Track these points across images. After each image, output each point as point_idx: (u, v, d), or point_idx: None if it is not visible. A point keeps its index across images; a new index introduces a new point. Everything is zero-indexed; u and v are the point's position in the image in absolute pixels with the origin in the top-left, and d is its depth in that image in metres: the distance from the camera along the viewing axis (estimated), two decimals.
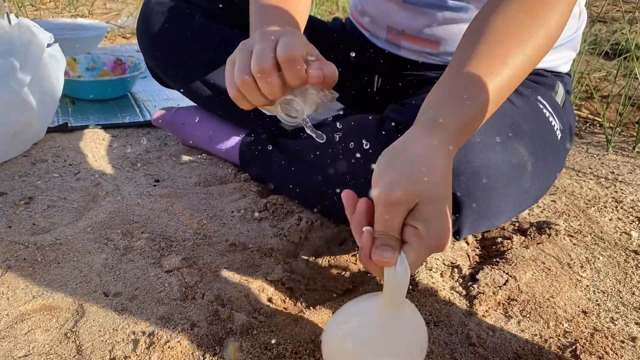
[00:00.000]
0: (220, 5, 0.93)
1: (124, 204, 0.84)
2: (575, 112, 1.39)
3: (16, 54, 0.98)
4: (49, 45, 1.04)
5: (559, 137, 0.80)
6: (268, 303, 0.65)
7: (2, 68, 0.95)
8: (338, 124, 0.79)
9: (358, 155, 0.71)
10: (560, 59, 0.88)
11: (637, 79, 1.51)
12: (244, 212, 0.85)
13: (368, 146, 0.69)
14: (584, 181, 1.04)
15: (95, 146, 1.05)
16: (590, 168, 1.10)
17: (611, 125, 1.32)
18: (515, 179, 0.67)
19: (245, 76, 0.56)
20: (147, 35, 0.93)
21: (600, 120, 1.35)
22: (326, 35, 0.98)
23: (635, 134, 1.26)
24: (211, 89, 0.92)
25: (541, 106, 0.80)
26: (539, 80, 0.85)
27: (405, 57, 0.89)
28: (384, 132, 0.70)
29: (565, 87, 0.89)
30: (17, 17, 1.06)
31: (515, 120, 0.70)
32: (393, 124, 0.70)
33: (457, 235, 0.68)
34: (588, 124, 1.36)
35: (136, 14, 1.94)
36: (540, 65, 0.86)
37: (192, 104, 1.02)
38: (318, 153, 0.81)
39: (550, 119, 0.80)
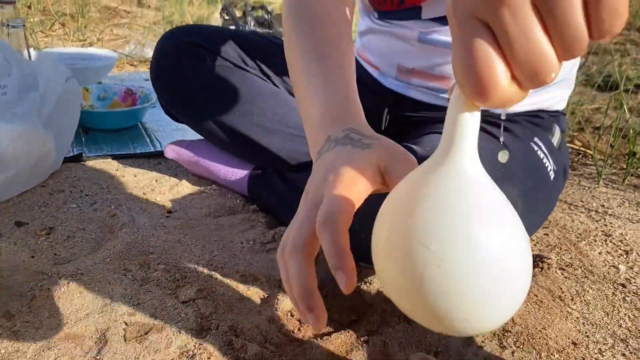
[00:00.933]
0: (232, 50, 0.99)
1: (140, 235, 0.88)
2: (567, 144, 1.45)
3: (37, 88, 1.03)
4: (67, 80, 1.10)
5: (552, 178, 0.86)
6: (278, 333, 0.70)
7: (25, 102, 1.00)
8: None
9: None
10: (556, 98, 0.93)
11: (629, 111, 1.57)
12: (252, 243, 0.90)
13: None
14: (575, 214, 1.09)
15: (109, 176, 1.10)
16: (581, 201, 1.16)
17: (602, 157, 1.38)
18: None
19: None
20: (160, 76, 0.99)
21: (591, 152, 1.40)
22: None
23: (625, 167, 1.32)
24: (222, 129, 0.97)
25: (536, 148, 0.85)
26: (537, 122, 0.90)
27: (412, 98, 0.93)
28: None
29: (561, 127, 0.95)
30: (30, 47, 1.12)
31: (506, 164, 0.76)
32: None
33: None
34: (580, 156, 1.42)
35: (143, 42, 2.00)
36: (538, 106, 0.91)
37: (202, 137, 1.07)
38: None
39: (544, 160, 0.85)
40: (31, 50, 1.16)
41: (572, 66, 0.93)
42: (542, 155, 0.85)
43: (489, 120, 0.86)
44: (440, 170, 0.32)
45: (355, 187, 0.46)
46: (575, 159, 1.40)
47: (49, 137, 1.00)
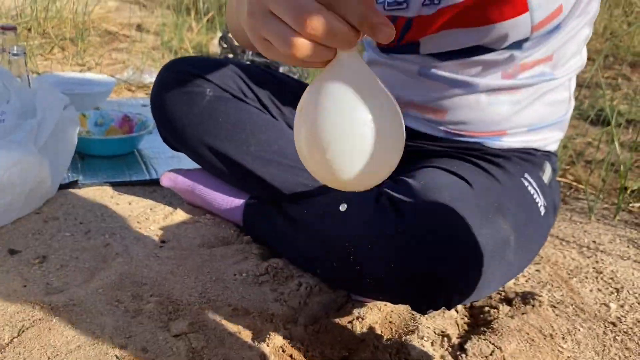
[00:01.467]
0: (231, 82, 1.00)
1: (133, 266, 0.88)
2: (559, 178, 1.46)
3: (35, 116, 1.04)
4: (65, 107, 1.11)
5: (542, 213, 0.87)
6: None
7: (22, 129, 1.01)
8: (341, 193, 0.85)
9: (356, 226, 0.76)
10: (549, 139, 0.95)
11: (621, 145, 1.59)
12: (245, 275, 0.90)
13: (367, 218, 0.75)
14: (567, 250, 1.10)
15: (103, 204, 1.10)
16: (573, 236, 1.17)
17: (593, 192, 1.39)
18: (499, 253, 0.72)
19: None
20: (160, 106, 1.00)
21: (583, 187, 1.42)
22: None
23: (616, 202, 1.33)
24: (219, 158, 0.98)
25: (526, 184, 0.87)
26: (528, 158, 0.92)
27: (409, 127, 0.94)
28: (379, 206, 0.75)
29: (552, 166, 0.96)
30: (29, 73, 1.13)
31: (498, 198, 0.77)
32: (387, 199, 0.75)
33: (447, 306, 0.73)
34: (572, 190, 1.43)
35: (142, 67, 2.02)
36: (530, 145, 0.92)
37: (197, 165, 1.08)
38: (318, 220, 0.87)
39: (535, 196, 0.86)
40: (30, 76, 1.17)
41: (566, 111, 0.94)
42: (532, 191, 0.86)
43: (482, 157, 0.88)
44: (330, 74, 0.42)
45: None
46: (567, 193, 1.41)
47: (45, 164, 1.01)
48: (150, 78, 1.92)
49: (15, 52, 1.12)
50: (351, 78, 0.41)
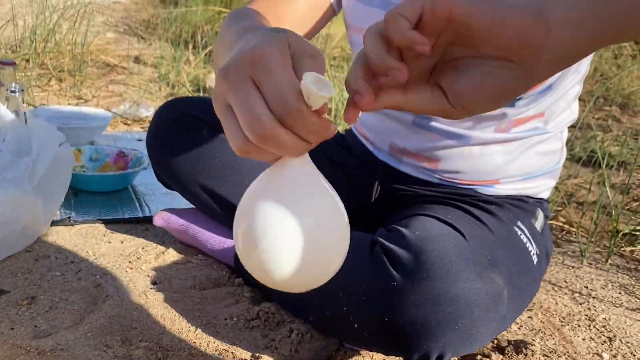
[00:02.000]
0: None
1: (123, 308, 0.87)
2: (551, 221, 1.47)
3: (30, 153, 1.04)
4: (60, 144, 1.11)
5: (535, 262, 0.87)
6: None
7: (17, 166, 1.01)
8: None
9: (350, 275, 0.76)
10: (541, 187, 0.96)
11: (612, 188, 1.61)
12: (236, 319, 0.89)
13: (361, 268, 0.75)
14: (559, 296, 1.10)
15: (95, 242, 1.10)
16: (565, 282, 1.17)
17: (585, 235, 1.40)
18: (492, 307, 0.72)
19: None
20: (157, 146, 1.01)
21: (575, 230, 1.42)
22: (323, 145, 1.05)
23: (608, 245, 1.34)
24: (214, 199, 0.98)
25: (519, 232, 0.87)
26: (521, 205, 0.92)
27: (404, 172, 0.95)
28: (373, 256, 0.75)
29: (544, 213, 0.97)
30: (25, 109, 1.14)
31: (492, 250, 0.77)
32: (381, 249, 0.75)
33: (440, 359, 0.72)
34: (564, 232, 1.44)
35: (139, 101, 2.04)
36: (522, 192, 0.93)
37: (191, 204, 1.08)
38: None
39: (528, 244, 0.87)
40: (27, 112, 1.17)
41: (558, 160, 0.95)
42: (525, 240, 0.87)
43: (475, 203, 0.88)
44: (273, 173, 0.44)
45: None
46: (559, 236, 1.42)
47: (38, 202, 1.00)
48: (146, 112, 1.93)
49: (12, 89, 1.12)
50: (294, 180, 0.42)
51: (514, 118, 0.85)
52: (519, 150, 0.89)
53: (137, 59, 2.98)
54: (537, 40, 0.39)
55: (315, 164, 0.49)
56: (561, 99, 0.87)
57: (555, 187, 1.64)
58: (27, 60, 2.51)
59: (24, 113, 1.15)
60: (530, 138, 0.88)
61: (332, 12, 0.94)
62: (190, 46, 2.92)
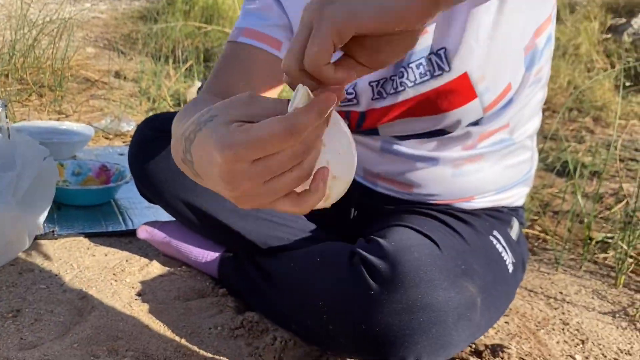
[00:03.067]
0: None
1: (109, 319, 0.88)
2: (527, 230, 1.51)
3: (14, 168, 1.05)
4: (44, 159, 1.12)
5: (510, 270, 0.90)
6: None
7: (2, 181, 1.02)
8: (316, 250, 0.87)
9: (330, 285, 0.79)
10: (516, 196, 0.99)
11: (585, 197, 1.66)
12: (221, 328, 0.91)
13: (340, 277, 0.77)
14: (535, 302, 1.13)
15: (80, 255, 1.10)
16: (541, 288, 1.20)
17: (560, 243, 1.44)
18: (465, 314, 0.74)
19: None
20: (137, 161, 1.02)
21: (550, 238, 1.47)
22: None
23: (582, 252, 1.38)
24: (194, 213, 0.99)
25: (495, 242, 0.90)
26: (496, 215, 0.95)
27: (380, 193, 0.98)
28: (352, 266, 0.78)
29: (520, 220, 1.00)
30: (9, 122, 1.14)
31: (466, 260, 0.80)
32: (360, 259, 0.77)
33: None
34: (540, 241, 1.48)
35: (120, 115, 2.05)
36: (498, 203, 0.96)
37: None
38: (292, 275, 0.88)
39: (503, 253, 0.90)
40: (11, 127, 1.18)
41: (530, 167, 0.99)
42: (500, 249, 0.90)
43: (451, 214, 0.91)
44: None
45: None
46: (535, 244, 1.46)
47: (22, 217, 1.01)
48: (127, 126, 1.94)
49: None
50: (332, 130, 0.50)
51: (479, 134, 0.88)
52: (489, 167, 0.91)
53: (117, 74, 2.99)
54: None
55: None
56: (525, 107, 0.90)
57: (531, 197, 1.69)
58: (7, 76, 2.50)
59: (7, 128, 1.16)
60: (498, 151, 0.91)
61: None
62: (171, 61, 2.93)
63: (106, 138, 1.93)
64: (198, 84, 2.67)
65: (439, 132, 0.86)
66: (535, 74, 0.87)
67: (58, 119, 2.09)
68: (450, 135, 0.87)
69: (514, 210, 1.00)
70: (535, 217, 1.57)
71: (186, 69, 2.90)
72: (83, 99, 2.43)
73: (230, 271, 1.02)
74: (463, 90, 0.80)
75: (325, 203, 0.52)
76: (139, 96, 2.55)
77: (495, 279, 0.85)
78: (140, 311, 0.93)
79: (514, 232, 0.96)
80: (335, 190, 0.52)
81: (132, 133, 1.97)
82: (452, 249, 0.80)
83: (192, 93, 2.59)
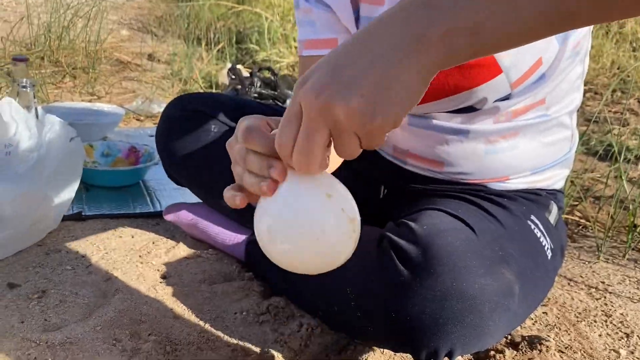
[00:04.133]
0: (232, 117, 1.00)
1: (133, 302, 0.87)
2: (567, 215, 1.44)
3: (41, 148, 1.05)
4: (71, 139, 1.11)
5: (549, 257, 0.85)
6: None
7: (28, 162, 1.01)
8: None
9: (358, 270, 0.75)
10: (554, 177, 0.93)
11: (630, 182, 1.57)
12: (246, 314, 0.88)
13: (368, 263, 0.74)
14: (575, 292, 1.08)
15: (106, 237, 1.10)
16: (581, 277, 1.14)
17: (602, 230, 1.37)
18: (502, 303, 0.70)
19: None
20: (165, 142, 1.00)
21: (591, 225, 1.40)
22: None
23: (626, 240, 1.31)
24: (220, 193, 0.97)
25: (533, 226, 0.85)
26: (534, 199, 0.90)
27: (410, 171, 0.94)
28: (381, 251, 0.74)
29: (559, 204, 0.95)
30: (38, 104, 1.14)
31: (502, 245, 0.75)
32: (389, 243, 0.74)
33: (450, 356, 0.71)
34: (580, 227, 1.41)
35: (151, 97, 2.04)
36: (535, 185, 0.91)
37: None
38: None
39: (542, 239, 0.85)
40: (38, 107, 1.18)
41: (569, 148, 0.93)
42: (539, 234, 0.85)
43: (486, 197, 0.87)
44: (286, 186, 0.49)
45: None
46: (575, 231, 1.39)
47: (49, 197, 1.01)
48: (158, 108, 1.94)
49: (23, 84, 1.13)
50: (302, 188, 0.48)
51: (511, 109, 0.82)
52: (524, 144, 0.86)
53: (150, 56, 3.00)
54: None
55: None
56: (562, 82, 0.84)
57: (571, 181, 1.61)
58: (42, 58, 2.52)
59: (35, 108, 1.15)
60: (534, 126, 0.85)
61: None
62: (203, 43, 2.92)
63: (137, 119, 1.92)
64: (229, 65, 2.65)
65: (467, 109, 0.82)
66: (573, 48, 0.81)
67: (90, 101, 2.10)
68: (479, 110, 0.82)
69: (552, 194, 0.94)
70: (576, 203, 1.50)
71: (218, 50, 2.88)
72: (115, 81, 2.44)
73: (257, 254, 1.00)
74: (486, 65, 0.76)
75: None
76: (171, 78, 2.54)
77: (534, 265, 0.80)
78: (165, 294, 0.91)
79: (552, 217, 0.91)
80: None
81: None
82: (487, 234, 0.76)
83: (223, 75, 2.57)
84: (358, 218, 0.51)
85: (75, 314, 0.84)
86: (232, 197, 0.52)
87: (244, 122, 0.51)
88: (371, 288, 0.73)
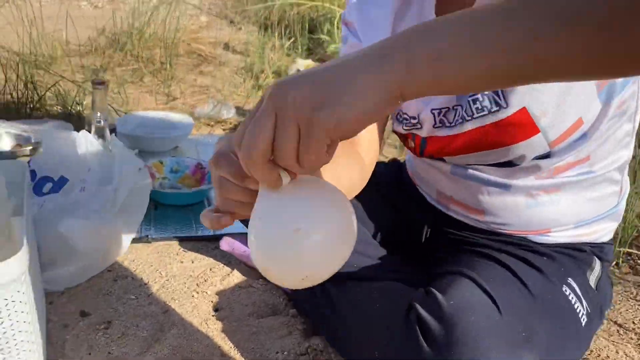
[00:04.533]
0: None
1: (185, 339, 0.96)
2: (629, 249, 1.39)
3: (113, 181, 1.15)
4: (139, 169, 1.21)
5: (583, 323, 0.85)
6: None
7: (101, 196, 1.11)
8: (377, 290, 0.88)
9: (384, 336, 0.79)
10: (600, 231, 0.92)
11: None
12: (287, 353, 0.95)
13: (394, 331, 0.78)
14: (623, 343, 1.06)
15: (169, 262, 1.19)
16: (634, 322, 1.12)
17: None
18: None
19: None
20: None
21: None
22: (380, 185, 1.06)
23: None
24: None
25: (568, 292, 0.85)
26: (576, 256, 0.89)
27: (453, 217, 0.96)
28: (407, 322, 0.77)
29: (604, 258, 0.93)
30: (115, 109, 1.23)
31: (528, 323, 0.76)
32: (416, 316, 0.76)
33: None
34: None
35: (222, 99, 2.13)
36: (578, 239, 0.90)
37: None
38: (352, 313, 0.90)
39: (577, 305, 0.84)
40: (109, 140, 1.28)
41: (617, 202, 0.91)
42: (574, 300, 0.84)
43: (527, 250, 0.87)
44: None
45: None
46: (638, 263, 1.35)
47: (119, 228, 1.11)
48: (227, 114, 2.02)
49: (98, 119, 1.23)
50: (294, 201, 0.50)
51: (554, 166, 0.82)
52: (567, 199, 0.85)
53: (226, 45, 3.09)
54: None
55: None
56: (607, 140, 0.83)
57: (631, 209, 1.54)
58: (125, 53, 2.67)
59: (109, 141, 1.25)
60: (578, 183, 0.85)
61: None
62: (277, 32, 2.97)
63: (208, 125, 2.02)
64: (300, 61, 2.69)
65: (507, 163, 0.83)
66: (617, 107, 0.79)
67: (166, 102, 2.22)
68: (519, 166, 0.83)
69: (598, 248, 0.93)
70: (637, 234, 1.44)
71: (289, 38, 2.93)
72: (192, 77, 2.55)
73: (301, 291, 1.06)
74: (524, 124, 0.76)
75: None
76: (243, 73, 2.62)
77: (564, 336, 0.81)
78: (215, 330, 0.99)
79: (593, 276, 0.90)
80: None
81: (231, 120, 2.06)
82: (514, 311, 0.77)
83: (293, 69, 2.62)
84: (334, 242, 0.51)
85: (135, 347, 0.94)
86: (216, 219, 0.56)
87: (217, 146, 0.54)
88: (395, 355, 0.77)
